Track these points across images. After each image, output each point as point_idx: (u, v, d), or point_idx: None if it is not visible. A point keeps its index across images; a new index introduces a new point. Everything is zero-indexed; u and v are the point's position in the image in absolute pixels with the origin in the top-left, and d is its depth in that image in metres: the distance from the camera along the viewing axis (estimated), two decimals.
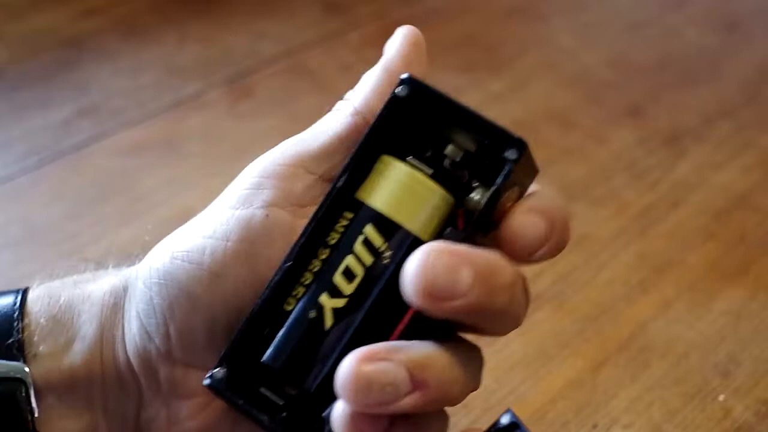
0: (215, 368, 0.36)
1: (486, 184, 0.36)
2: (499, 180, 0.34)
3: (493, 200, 0.35)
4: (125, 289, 0.38)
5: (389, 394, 0.32)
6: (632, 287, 0.60)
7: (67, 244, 0.62)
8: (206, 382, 0.36)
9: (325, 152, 0.37)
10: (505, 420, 0.36)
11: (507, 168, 0.35)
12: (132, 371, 0.38)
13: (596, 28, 0.87)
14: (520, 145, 0.35)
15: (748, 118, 0.75)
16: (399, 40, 0.39)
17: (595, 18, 0.89)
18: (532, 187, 0.37)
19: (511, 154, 0.35)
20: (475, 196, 0.36)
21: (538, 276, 0.60)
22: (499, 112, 0.75)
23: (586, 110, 0.76)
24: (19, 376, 0.36)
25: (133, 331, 0.37)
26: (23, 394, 0.36)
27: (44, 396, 0.37)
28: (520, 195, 0.36)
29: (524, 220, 0.35)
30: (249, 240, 0.36)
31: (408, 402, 0.32)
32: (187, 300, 0.36)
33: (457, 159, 0.36)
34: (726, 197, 0.67)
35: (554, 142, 0.72)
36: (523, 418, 0.51)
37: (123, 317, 0.38)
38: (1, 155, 0.70)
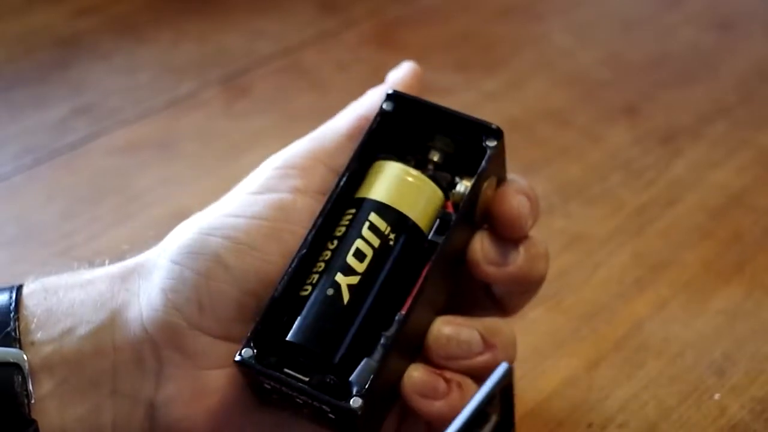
0: (243, 348, 0.37)
1: (467, 178, 0.42)
2: (482, 165, 0.41)
3: (477, 184, 0.41)
4: (139, 273, 0.40)
5: (464, 351, 0.40)
6: (628, 286, 0.59)
7: (62, 243, 0.62)
8: (237, 358, 0.37)
9: (337, 149, 0.42)
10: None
11: (488, 154, 0.41)
12: (154, 348, 0.38)
13: (592, 27, 0.87)
14: (498, 134, 0.41)
15: (744, 116, 0.75)
16: (404, 70, 0.46)
17: (590, 17, 0.88)
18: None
19: (490, 141, 0.41)
20: (460, 188, 0.42)
21: None
22: (494, 111, 0.75)
23: (582, 109, 0.76)
24: (15, 361, 0.37)
25: (156, 307, 0.38)
26: (20, 380, 0.37)
27: (43, 382, 0.37)
28: (498, 186, 0.42)
29: (519, 200, 0.42)
30: (280, 219, 0.40)
31: (479, 361, 0.40)
32: (223, 271, 0.38)
33: (440, 162, 0.42)
34: (722, 196, 0.67)
35: (549, 141, 0.72)
36: (518, 416, 0.51)
37: (139, 297, 0.39)
38: None
